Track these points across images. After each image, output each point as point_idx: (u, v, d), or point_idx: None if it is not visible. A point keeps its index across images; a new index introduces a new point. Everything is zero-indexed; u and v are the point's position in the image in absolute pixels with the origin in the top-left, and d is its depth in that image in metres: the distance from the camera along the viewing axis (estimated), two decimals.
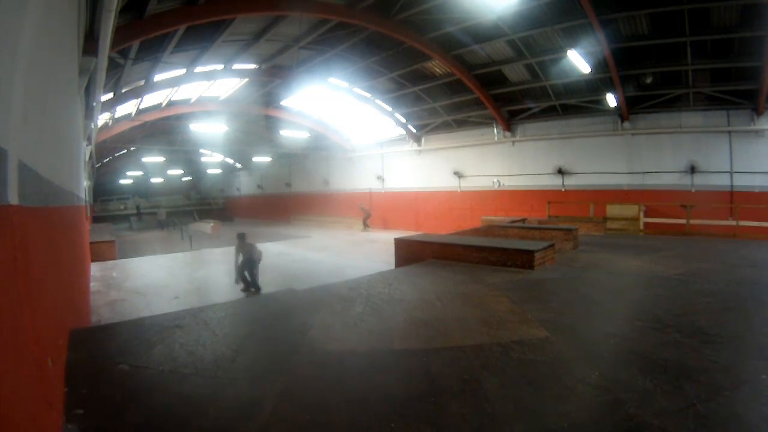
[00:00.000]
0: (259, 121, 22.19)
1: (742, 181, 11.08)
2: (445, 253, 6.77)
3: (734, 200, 11.04)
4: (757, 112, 10.63)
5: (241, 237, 8.02)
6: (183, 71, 12.97)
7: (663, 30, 10.03)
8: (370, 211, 21.12)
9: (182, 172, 37.96)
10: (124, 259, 12.37)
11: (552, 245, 6.49)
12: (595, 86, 12.63)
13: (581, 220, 11.36)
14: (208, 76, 13.87)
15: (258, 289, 7.82)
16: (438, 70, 14.40)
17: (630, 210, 12.00)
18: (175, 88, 14.69)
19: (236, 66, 13.85)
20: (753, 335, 3.24)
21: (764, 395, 2.25)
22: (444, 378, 2.51)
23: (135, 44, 9.17)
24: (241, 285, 7.81)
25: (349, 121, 21.14)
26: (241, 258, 7.81)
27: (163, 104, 16.68)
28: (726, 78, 10.78)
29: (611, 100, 12.23)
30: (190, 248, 14.97)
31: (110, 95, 11.93)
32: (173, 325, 3.48)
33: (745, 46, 9.70)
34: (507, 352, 2.90)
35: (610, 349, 2.99)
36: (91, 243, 11.25)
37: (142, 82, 12.91)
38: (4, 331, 1.25)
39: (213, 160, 34.13)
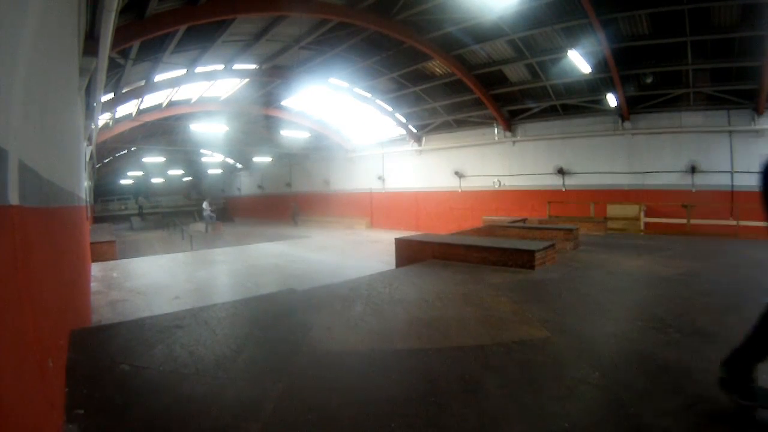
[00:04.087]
0: (259, 121, 22.21)
1: (742, 181, 11.07)
2: (446, 253, 6.77)
3: (735, 200, 11.03)
4: (758, 111, 10.62)
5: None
6: (183, 71, 12.98)
7: (663, 30, 10.03)
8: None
9: (182, 172, 37.99)
10: (124, 260, 12.36)
11: (552, 245, 6.48)
12: (595, 86, 12.62)
13: (582, 220, 11.34)
14: (209, 76, 13.87)
15: None
16: (438, 70, 14.40)
17: (630, 210, 11.99)
18: (176, 89, 14.70)
19: (236, 66, 13.86)
20: None
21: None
22: (444, 378, 2.51)
23: (135, 44, 9.18)
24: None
25: (349, 121, 21.14)
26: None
27: (164, 104, 16.69)
28: (726, 78, 10.77)
29: (611, 100, 12.22)
30: (190, 248, 14.97)
31: (111, 95, 11.94)
32: (174, 325, 3.48)
33: (745, 46, 9.69)
34: (507, 352, 2.90)
35: (611, 349, 2.98)
36: (91, 243, 11.25)
37: (142, 83, 12.92)
38: (5, 331, 1.25)
39: (213, 160, 34.13)
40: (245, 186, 36.60)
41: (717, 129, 11.39)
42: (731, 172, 11.25)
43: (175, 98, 16.39)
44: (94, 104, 7.91)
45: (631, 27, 10.29)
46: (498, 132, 15.95)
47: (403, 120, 18.59)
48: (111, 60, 7.70)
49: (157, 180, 38.17)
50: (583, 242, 8.62)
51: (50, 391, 1.82)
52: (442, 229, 15.38)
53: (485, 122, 16.20)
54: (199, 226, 21.11)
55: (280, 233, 20.81)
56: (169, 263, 11.90)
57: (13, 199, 1.44)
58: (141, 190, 38.37)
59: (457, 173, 17.57)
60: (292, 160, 28.11)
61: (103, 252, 11.92)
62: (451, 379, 2.50)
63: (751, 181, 11.42)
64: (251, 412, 2.12)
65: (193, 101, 17.26)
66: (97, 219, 28.58)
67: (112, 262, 11.62)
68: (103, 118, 13.89)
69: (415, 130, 18.89)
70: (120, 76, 10.80)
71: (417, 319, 3.73)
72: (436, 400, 2.25)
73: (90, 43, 5.27)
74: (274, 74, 14.97)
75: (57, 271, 2.79)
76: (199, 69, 13.07)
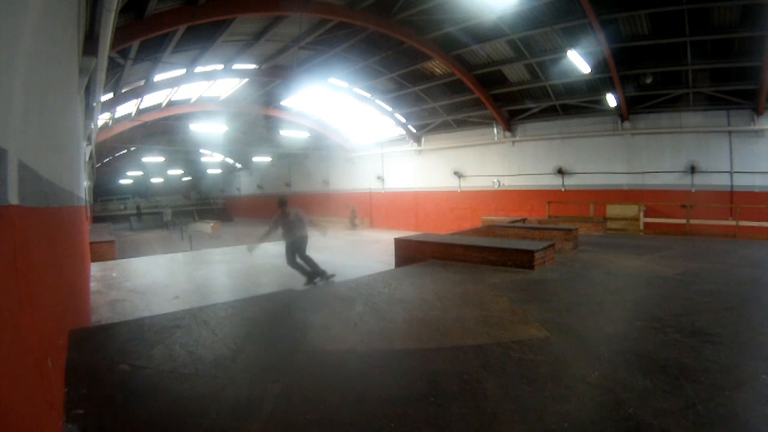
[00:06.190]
0: (259, 121, 22.20)
1: (742, 181, 11.09)
2: (445, 253, 6.77)
3: (734, 200, 11.04)
4: (757, 112, 10.63)
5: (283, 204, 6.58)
6: (183, 71, 12.97)
7: (663, 30, 10.03)
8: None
9: (182, 172, 38.00)
10: (124, 259, 12.35)
11: (552, 245, 6.48)
12: (595, 86, 12.63)
13: (581, 220, 11.35)
14: (208, 76, 13.87)
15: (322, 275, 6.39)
16: (438, 70, 14.40)
17: (630, 210, 12.00)
18: (175, 88, 14.70)
19: (236, 66, 13.86)
20: (753, 335, 3.24)
21: (764, 395, 2.25)
22: (444, 378, 2.51)
23: (135, 44, 9.18)
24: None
25: (349, 121, 21.13)
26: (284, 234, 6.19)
27: (163, 104, 16.69)
28: (726, 78, 10.78)
29: (611, 100, 12.23)
30: (190, 248, 14.96)
31: (110, 95, 11.94)
32: (173, 325, 3.48)
33: (745, 46, 9.70)
34: (507, 352, 2.90)
35: (611, 349, 2.99)
36: (91, 243, 11.25)
37: (142, 82, 12.92)
38: (4, 331, 1.25)
39: (213, 160, 34.13)
40: (245, 186, 36.61)
41: (716, 129, 11.41)
42: (731, 173, 11.26)
43: (174, 98, 16.38)
44: (94, 104, 7.90)
45: (630, 27, 10.29)
46: (497, 132, 15.96)
47: (403, 120, 18.59)
48: (111, 60, 7.71)
49: (156, 180, 38.18)
50: (583, 242, 8.62)
51: (50, 391, 1.82)
52: (441, 229, 15.40)
53: (485, 122, 16.21)
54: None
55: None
56: (169, 263, 11.88)
57: (13, 199, 1.44)
58: (140, 190, 38.38)
59: (456, 173, 17.57)
60: (292, 160, 28.11)
61: (102, 252, 11.91)
62: (451, 378, 2.50)
63: (750, 182, 11.48)
64: (250, 411, 2.12)
65: (192, 101, 17.25)
66: (97, 219, 28.57)
67: (111, 262, 11.61)
68: (102, 118, 13.89)
69: (414, 130, 18.89)
70: (119, 76, 10.79)
71: (416, 319, 3.73)
72: (436, 399, 2.25)
73: (90, 42, 5.27)
74: (274, 74, 14.97)
75: (56, 270, 2.79)
76: (198, 69, 13.06)
